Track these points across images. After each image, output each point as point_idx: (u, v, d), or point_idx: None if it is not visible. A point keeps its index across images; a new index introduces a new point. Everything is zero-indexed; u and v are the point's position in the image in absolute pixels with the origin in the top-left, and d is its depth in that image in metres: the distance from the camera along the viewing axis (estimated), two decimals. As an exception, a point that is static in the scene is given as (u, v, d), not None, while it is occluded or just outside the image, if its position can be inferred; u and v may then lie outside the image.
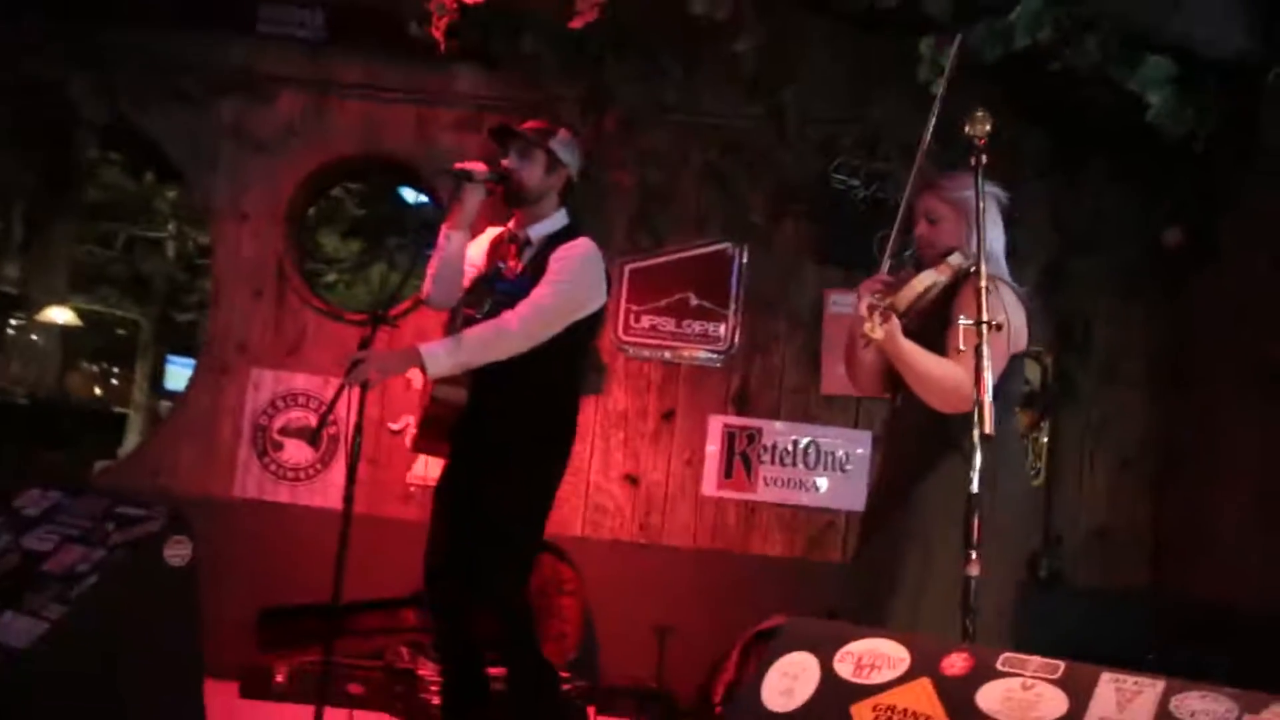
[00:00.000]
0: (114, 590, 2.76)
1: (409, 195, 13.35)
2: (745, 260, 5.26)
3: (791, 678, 1.94)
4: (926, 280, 2.82)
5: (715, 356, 5.23)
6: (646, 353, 5.25)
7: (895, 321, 2.69)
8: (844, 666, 1.95)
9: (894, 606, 2.80)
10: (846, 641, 2.00)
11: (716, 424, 5.20)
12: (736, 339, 5.23)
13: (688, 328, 5.23)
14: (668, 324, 5.23)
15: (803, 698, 1.92)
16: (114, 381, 20.01)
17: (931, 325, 2.85)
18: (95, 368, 19.54)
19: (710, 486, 5.17)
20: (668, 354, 5.24)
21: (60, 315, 14.95)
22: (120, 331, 18.49)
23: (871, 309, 2.61)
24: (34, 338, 15.60)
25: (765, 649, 4.48)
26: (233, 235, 5.38)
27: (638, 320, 5.24)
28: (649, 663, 4.79)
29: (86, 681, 2.66)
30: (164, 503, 3.05)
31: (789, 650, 2.01)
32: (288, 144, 5.38)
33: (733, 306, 5.24)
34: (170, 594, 2.85)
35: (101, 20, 5.20)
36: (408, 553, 3.72)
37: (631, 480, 5.21)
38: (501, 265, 3.47)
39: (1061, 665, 1.83)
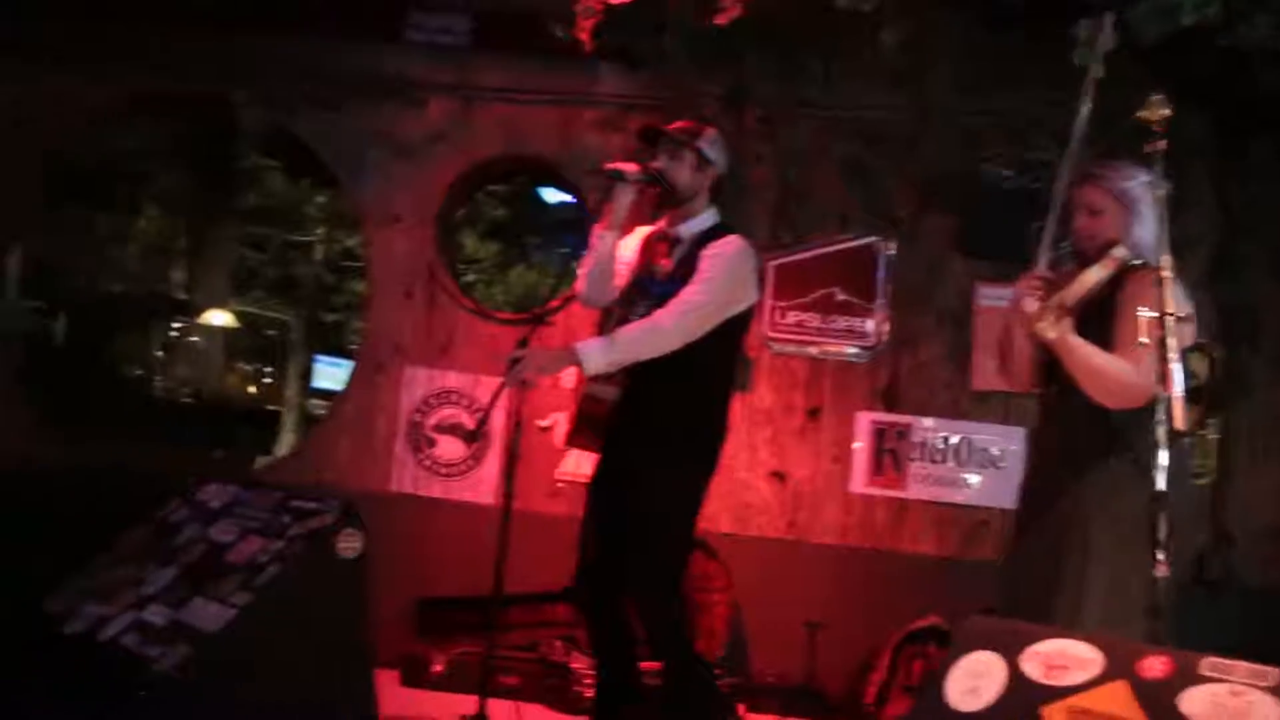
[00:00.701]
0: (293, 579, 2.91)
1: (548, 195, 13.58)
2: (892, 254, 5.23)
3: (976, 677, 1.91)
4: (1094, 276, 2.78)
5: (862, 352, 5.20)
6: (792, 348, 5.25)
7: (1068, 319, 2.66)
8: (1032, 667, 1.90)
9: (1055, 606, 2.76)
10: (1032, 641, 1.96)
11: (864, 420, 5.18)
12: (884, 334, 5.20)
13: (833, 323, 5.22)
14: (813, 319, 5.23)
15: (989, 698, 1.88)
16: (266, 380, 20.79)
17: (1091, 319, 2.81)
18: (250, 367, 20.33)
19: (859, 483, 5.15)
20: (814, 350, 5.24)
21: (220, 318, 15.66)
22: (271, 332, 19.23)
23: (1044, 307, 2.59)
24: (196, 340, 16.35)
25: (917, 649, 4.50)
26: (384, 238, 5.58)
27: (783, 316, 5.24)
28: (797, 660, 4.80)
29: (269, 665, 2.82)
30: (335, 496, 3.20)
31: (971, 649, 1.98)
32: (436, 148, 5.56)
33: (879, 301, 5.20)
34: (342, 584, 2.99)
35: (260, 33, 5.46)
36: (555, 548, 3.81)
37: (779, 477, 5.22)
38: (654, 266, 3.52)
39: (1273, 672, 1.76)
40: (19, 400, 5.78)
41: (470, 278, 16.13)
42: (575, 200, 5.75)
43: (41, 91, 5.62)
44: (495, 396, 3.26)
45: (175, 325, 16.91)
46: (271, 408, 16.91)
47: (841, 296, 5.22)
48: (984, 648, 1.97)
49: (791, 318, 5.24)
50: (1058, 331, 2.59)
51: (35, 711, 2.88)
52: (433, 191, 5.56)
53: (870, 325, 5.20)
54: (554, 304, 5.38)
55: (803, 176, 5.27)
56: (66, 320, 13.69)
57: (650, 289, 3.45)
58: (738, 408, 5.17)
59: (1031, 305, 2.75)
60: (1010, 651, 1.95)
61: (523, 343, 3.31)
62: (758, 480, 5.22)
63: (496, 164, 5.73)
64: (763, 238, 5.18)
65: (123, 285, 14.40)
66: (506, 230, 16.05)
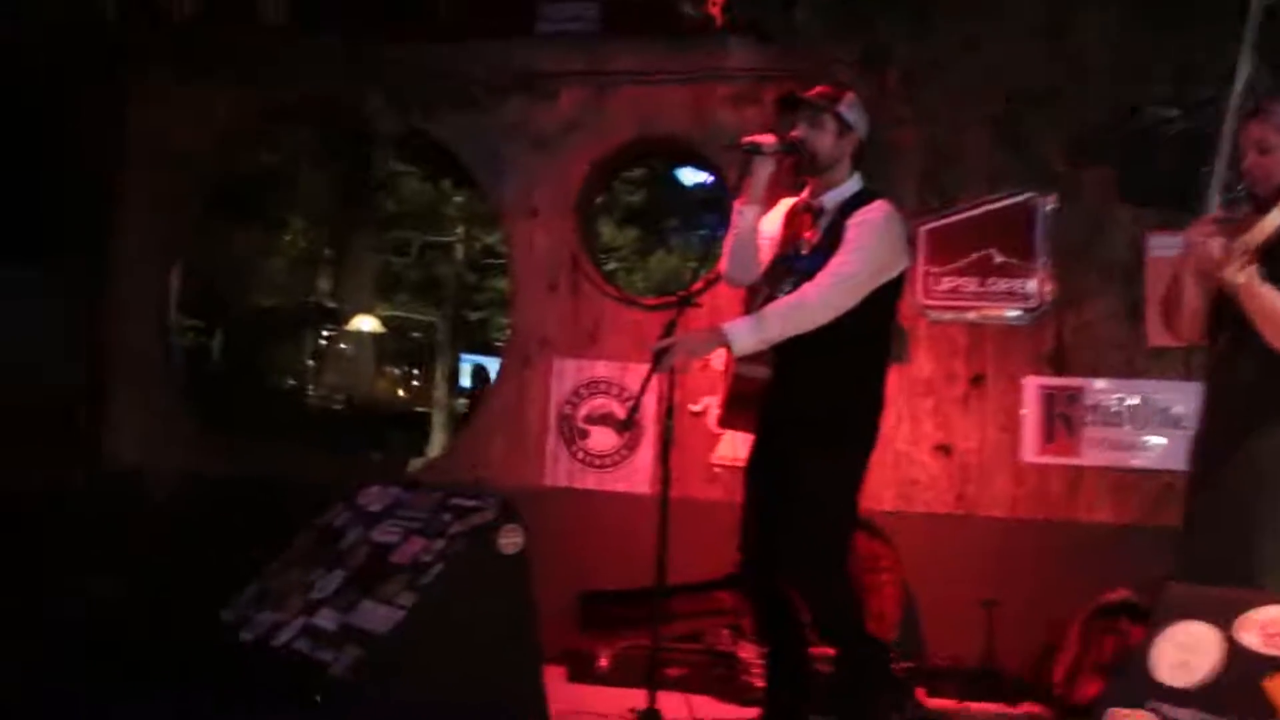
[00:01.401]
0: (457, 577, 2.97)
1: (684, 176, 13.62)
2: (1050, 210, 5.06)
3: (1186, 650, 1.81)
4: (1276, 218, 2.64)
5: (1024, 314, 5.06)
6: (950, 315, 5.14)
7: (1253, 265, 2.54)
8: (1250, 637, 1.80)
9: (1251, 570, 2.63)
10: (1246, 608, 1.85)
11: (1031, 386, 5.03)
12: (1046, 294, 5.04)
13: (992, 286, 5.09)
14: (970, 284, 5.11)
15: (1203, 672, 1.78)
16: (415, 383, 21.35)
17: (1266, 263, 2.67)
18: (398, 371, 20.90)
19: (1030, 452, 5.01)
20: (972, 315, 5.12)
21: (366, 323, 16.16)
22: (416, 334, 19.73)
23: (1228, 251, 2.47)
24: (345, 346, 16.90)
25: (1109, 625, 4.33)
26: (525, 232, 5.66)
27: (938, 282, 5.13)
28: (974, 641, 4.69)
29: (440, 665, 2.88)
30: (492, 493, 3.26)
31: (1178, 619, 1.88)
32: (570, 138, 5.61)
33: (1040, 260, 5.05)
34: (506, 580, 3.04)
35: (392, 34, 5.59)
36: (715, 534, 3.79)
37: (944, 450, 5.12)
38: (799, 239, 3.48)
39: None
40: (181, 415, 6.05)
41: (611, 266, 16.26)
42: (713, 179, 5.74)
43: (180, 106, 5.87)
44: (645, 384, 3.26)
45: (324, 334, 17.49)
46: (422, 409, 17.35)
47: (999, 258, 5.09)
48: (1193, 617, 1.87)
49: (947, 283, 5.13)
50: (1245, 276, 2.46)
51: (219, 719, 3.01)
52: (569, 182, 5.63)
53: (1031, 286, 5.05)
54: (698, 286, 5.38)
55: (948, 136, 5.16)
56: (223, 336, 14.30)
57: (796, 263, 3.41)
58: (895, 379, 5.09)
59: (1216, 250, 2.62)
60: (1224, 621, 1.85)
61: (669, 327, 3.30)
62: (922, 454, 5.13)
63: (631, 148, 5.76)
64: (910, 203, 5.07)
65: (273, 298, 14.96)
66: (644, 215, 16.10)
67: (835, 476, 3.34)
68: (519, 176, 5.65)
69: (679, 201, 15.82)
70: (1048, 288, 5.05)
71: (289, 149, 11.14)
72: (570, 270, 5.60)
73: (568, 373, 5.53)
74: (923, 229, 5.14)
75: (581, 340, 5.55)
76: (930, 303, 5.16)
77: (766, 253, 3.57)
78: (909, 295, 5.10)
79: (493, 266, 16.15)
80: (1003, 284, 5.10)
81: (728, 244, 3.54)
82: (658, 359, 3.22)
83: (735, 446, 4.90)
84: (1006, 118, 5.10)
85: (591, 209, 6.17)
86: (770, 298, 3.35)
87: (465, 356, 18.76)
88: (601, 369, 5.50)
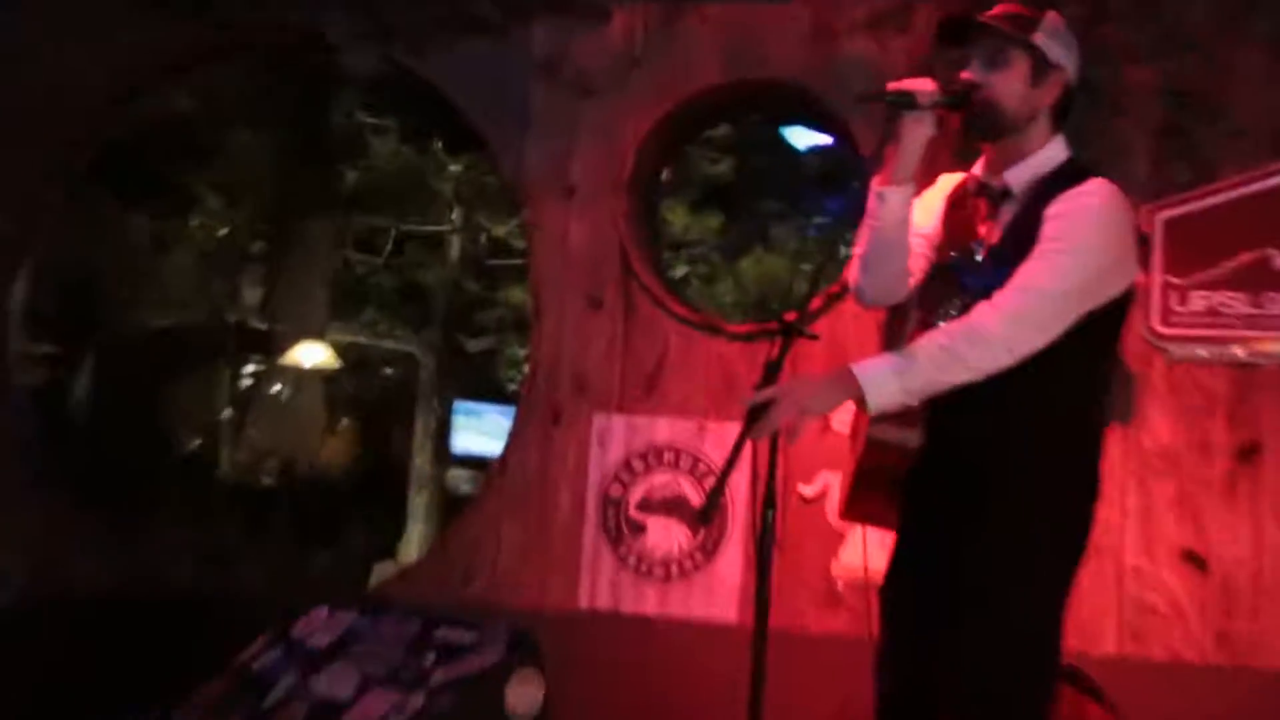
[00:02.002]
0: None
1: (796, 138, 13.64)
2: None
3: None
4: None
5: (1323, 348, 5.04)
6: (1203, 351, 5.12)
7: None
8: None
9: None
10: None
11: (1338, 460, 5.00)
12: (1356, 320, 5.00)
13: (1272, 305, 5.06)
14: (1236, 302, 5.09)
15: None
16: (385, 445, 21.45)
17: None
18: (359, 426, 21.02)
19: (1337, 565, 4.96)
20: (1240, 350, 5.10)
21: (313, 355, 16.24)
22: (389, 371, 19.86)
23: None
24: (280, 389, 17.02)
25: None
26: (556, 219, 5.76)
27: (1183, 301, 5.12)
28: None
29: None
30: (498, 619, 3.27)
31: None
32: (627, 80, 5.71)
33: (1351, 264, 5.03)
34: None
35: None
36: (837, 679, 3.78)
37: (1195, 560, 5.09)
38: (968, 237, 3.48)
39: None
40: (23, 494, 6.13)
41: (681, 270, 16.33)
42: (839, 143, 5.75)
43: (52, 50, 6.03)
44: (734, 456, 3.24)
45: (249, 369, 17.64)
46: (396, 486, 17.44)
47: (1281, 261, 5.11)
48: None
49: (1198, 302, 5.12)
50: None
51: None
52: (622, 146, 5.71)
53: (1331, 306, 5.04)
54: (815, 305, 5.37)
55: (1205, 75, 5.20)
56: (92, 370, 14.44)
57: (966, 273, 3.41)
58: (1117, 451, 5.10)
59: None
60: None
61: (771, 370, 3.30)
62: (1159, 567, 5.10)
63: (716, 97, 5.82)
64: (1143, 178, 5.09)
65: (171, 313, 15.09)
66: (733, 196, 16.17)
67: (1026, 599, 3.33)
68: (548, 137, 5.75)
69: (786, 175, 15.86)
70: (1355, 310, 5.03)
71: (205, 95, 11.31)
72: (621, 278, 5.67)
73: (616, 435, 5.58)
74: (1160, 217, 5.16)
75: (637, 385, 5.61)
76: (1172, 332, 5.15)
77: (920, 258, 3.57)
78: (1137, 321, 5.11)
79: (505, 271, 16.30)
80: (1289, 302, 5.11)
81: (860, 243, 3.55)
82: (752, 418, 3.22)
83: (868, 548, 4.88)
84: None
85: (655, 186, 6.23)
86: (925, 324, 3.34)
87: (462, 405, 18.87)
88: (666, 430, 5.53)
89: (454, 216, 16.60)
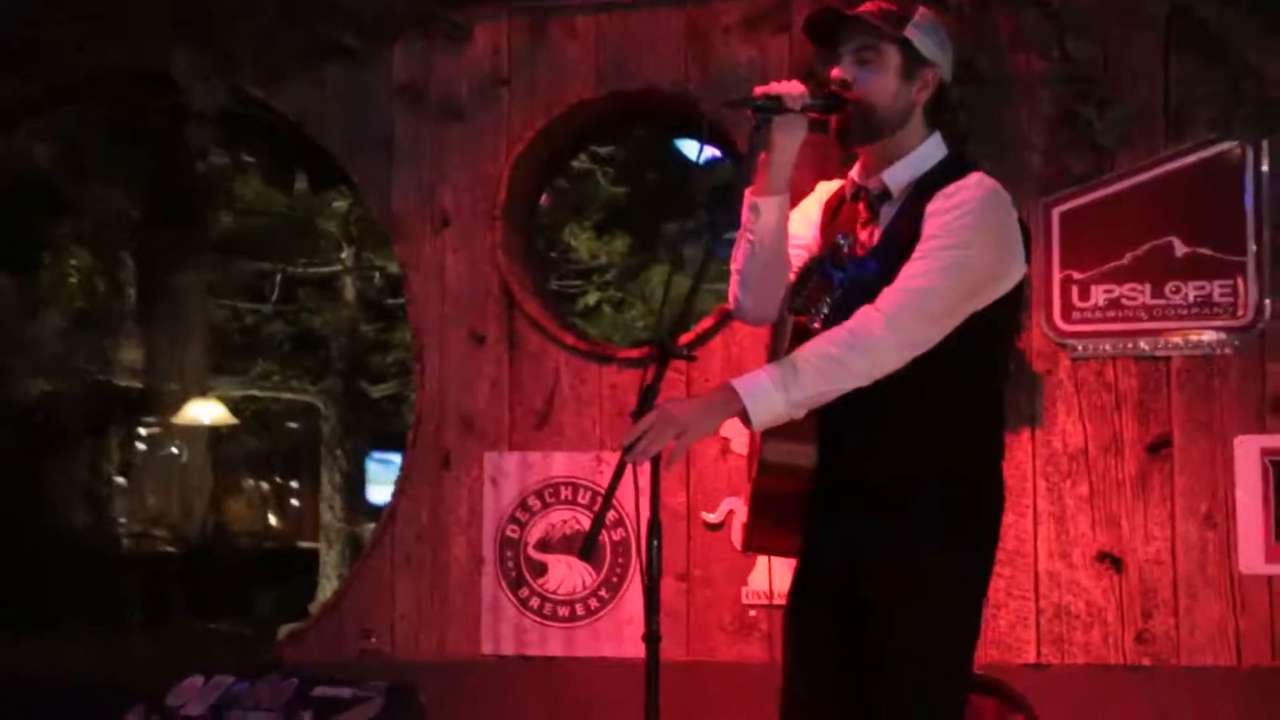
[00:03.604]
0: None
1: (691, 149, 13.60)
2: (1268, 168, 5.11)
3: None
4: None
5: (1230, 337, 5.09)
6: (1108, 346, 5.16)
7: None
8: None
9: None
10: None
11: (1249, 450, 5.05)
12: (1267, 304, 5.07)
13: (1175, 295, 5.12)
14: (1139, 293, 5.14)
15: None
16: (294, 501, 21.34)
17: None
18: (263, 485, 20.91)
19: (1253, 559, 5.02)
20: (1144, 344, 5.15)
21: (206, 412, 16.10)
22: (292, 425, 19.73)
23: None
24: (173, 450, 16.85)
25: None
26: (431, 254, 5.74)
27: (1085, 295, 5.17)
28: None
29: None
30: (379, 675, 3.23)
31: None
32: (495, 100, 5.70)
33: (1252, 248, 5.09)
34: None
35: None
36: (750, 708, 3.76)
37: (1112, 561, 5.13)
38: (844, 241, 3.49)
39: None
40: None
41: (593, 297, 16.31)
42: (724, 153, 5.76)
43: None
44: (612, 486, 3.22)
45: (139, 433, 17.42)
46: (306, 544, 17.34)
47: (1184, 249, 5.14)
48: None
49: (1101, 296, 5.17)
50: None
51: None
52: (495, 170, 5.69)
53: (1240, 289, 5.09)
54: (706, 324, 5.38)
55: (1096, 57, 5.23)
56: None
57: (837, 279, 3.41)
58: (1027, 455, 5.15)
59: None
60: None
61: (646, 396, 3.27)
62: (1076, 570, 5.15)
63: (592, 112, 5.82)
64: (1036, 170, 5.15)
65: (45, 379, 14.80)
66: (638, 215, 16.17)
67: (934, 614, 3.32)
68: (415, 166, 5.75)
69: (688, 191, 15.88)
70: (1266, 292, 5.09)
71: (62, 144, 11.20)
72: (503, 311, 5.66)
73: (509, 473, 5.57)
74: (1056, 210, 5.20)
75: (528, 420, 5.61)
76: (1074, 328, 5.19)
77: (800, 269, 3.58)
78: (1037, 320, 5.17)
79: (403, 311, 16.21)
80: (1192, 290, 5.14)
81: (737, 258, 3.55)
82: (630, 446, 3.20)
83: (773, 574, 4.89)
84: (1195, 18, 5.16)
85: (533, 210, 6.23)
86: (803, 333, 3.33)
87: (373, 454, 18.79)
88: (562, 465, 5.53)
89: (344, 256, 16.53)
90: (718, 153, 6.04)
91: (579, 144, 6.77)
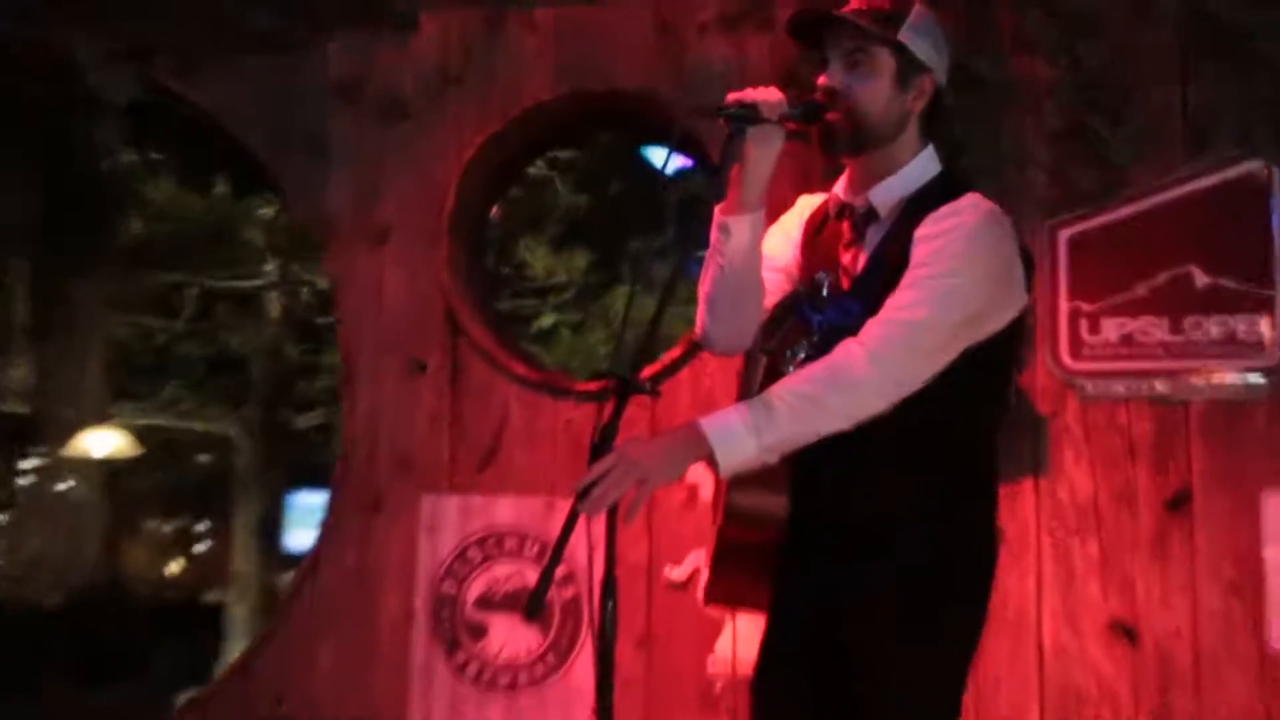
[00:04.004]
0: None
1: (659, 158, 13.60)
2: (1300, 191, 5.15)
3: None
4: None
5: (1259, 378, 5.13)
6: (1120, 387, 5.19)
7: None
8: None
9: None
10: None
11: (1279, 506, 5.09)
12: (1296, 342, 5.10)
13: (1195, 330, 5.16)
14: (1155, 328, 5.17)
15: None
16: (201, 546, 21.22)
17: None
18: (166, 528, 20.78)
19: (1282, 631, 5.06)
20: (1161, 385, 5.18)
21: (103, 442, 15.94)
22: (203, 458, 19.62)
23: None
24: (64, 485, 16.68)
25: None
26: (367, 269, 5.76)
27: (1094, 329, 5.20)
28: None
29: None
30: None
31: None
32: (443, 100, 5.74)
33: (1282, 279, 5.13)
34: None
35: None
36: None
37: (1125, 633, 5.15)
38: (823, 277, 3.51)
39: None
40: None
41: (548, 320, 16.27)
42: (696, 163, 5.79)
43: None
44: (565, 535, 3.24)
45: (24, 466, 17.27)
46: (213, 598, 17.23)
47: (1205, 279, 5.16)
48: None
49: (1113, 330, 5.20)
50: None
51: None
52: (442, 178, 5.73)
53: (1269, 326, 5.12)
54: (669, 355, 5.40)
55: (1108, 64, 5.28)
56: None
57: (816, 315, 3.44)
58: (1029, 507, 5.16)
59: None
60: None
61: (604, 435, 3.28)
62: (1085, 640, 5.15)
63: (552, 115, 5.87)
64: (1041, 188, 5.19)
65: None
66: (600, 231, 16.17)
67: (920, 656, 3.36)
68: (352, 171, 5.78)
69: (656, 204, 15.88)
70: (1298, 330, 5.14)
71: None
72: (447, 335, 5.69)
73: (448, 520, 5.58)
74: (1063, 234, 5.23)
75: (471, 459, 5.63)
76: (1084, 366, 5.22)
77: (777, 295, 3.62)
78: (1043, 356, 5.20)
79: (331, 329, 16.15)
80: (1214, 325, 5.17)
81: (705, 281, 3.59)
82: (583, 493, 3.21)
83: (746, 634, 4.90)
84: (1214, 19, 5.21)
85: (483, 222, 6.28)
86: (775, 369, 3.37)
87: (294, 495, 18.67)
88: (509, 511, 5.55)
89: (269, 269, 16.46)
90: (689, 162, 6.06)
91: (536, 149, 6.80)
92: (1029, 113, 5.28)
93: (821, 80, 3.48)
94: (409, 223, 5.75)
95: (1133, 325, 5.21)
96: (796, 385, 3.26)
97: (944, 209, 3.37)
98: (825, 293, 3.48)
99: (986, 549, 3.48)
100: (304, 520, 18.90)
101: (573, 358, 15.68)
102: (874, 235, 3.48)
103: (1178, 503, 5.17)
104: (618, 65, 5.65)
